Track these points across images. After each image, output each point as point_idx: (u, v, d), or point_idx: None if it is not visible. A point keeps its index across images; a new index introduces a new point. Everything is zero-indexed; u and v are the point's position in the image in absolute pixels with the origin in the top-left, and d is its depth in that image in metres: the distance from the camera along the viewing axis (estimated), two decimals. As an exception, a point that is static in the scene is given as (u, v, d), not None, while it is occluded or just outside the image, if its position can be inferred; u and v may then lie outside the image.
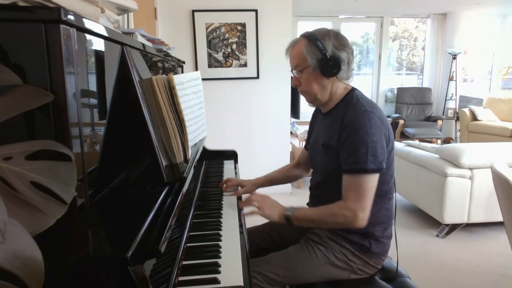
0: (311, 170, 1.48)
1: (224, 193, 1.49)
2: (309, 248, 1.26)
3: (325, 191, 1.31)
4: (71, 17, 0.57)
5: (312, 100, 1.28)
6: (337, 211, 1.17)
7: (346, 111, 1.19)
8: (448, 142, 5.75)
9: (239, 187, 1.55)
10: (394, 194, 1.31)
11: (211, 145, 2.09)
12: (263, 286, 1.20)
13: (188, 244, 1.05)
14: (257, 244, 1.46)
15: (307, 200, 1.46)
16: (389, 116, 6.26)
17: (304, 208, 1.26)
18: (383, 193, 1.24)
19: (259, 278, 1.19)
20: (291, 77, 1.31)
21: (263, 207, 1.26)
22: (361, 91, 1.28)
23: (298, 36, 1.28)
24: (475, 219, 2.65)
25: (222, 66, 3.39)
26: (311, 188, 1.42)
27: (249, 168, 3.20)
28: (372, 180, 1.14)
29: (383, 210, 1.26)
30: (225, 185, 1.56)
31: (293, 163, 1.66)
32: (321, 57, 1.17)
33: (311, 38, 1.19)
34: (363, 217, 1.14)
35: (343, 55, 1.18)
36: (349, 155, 1.14)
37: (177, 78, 1.11)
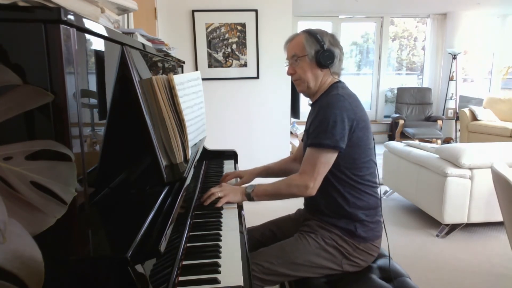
0: None
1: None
2: (302, 238, 1.32)
3: None
4: (71, 17, 0.57)
5: (304, 89, 1.38)
6: (291, 182, 1.29)
7: (325, 98, 1.31)
8: (448, 142, 5.75)
9: (238, 179, 1.61)
10: (377, 183, 1.37)
11: (211, 145, 2.09)
12: (259, 276, 1.23)
13: (188, 244, 1.05)
14: (258, 240, 1.49)
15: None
16: (389, 116, 6.26)
17: (263, 184, 1.36)
18: (359, 180, 1.30)
19: (254, 269, 1.23)
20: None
21: (226, 194, 1.33)
22: (346, 84, 1.38)
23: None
24: (475, 219, 2.65)
25: (222, 66, 3.40)
26: None
27: (249, 168, 3.20)
28: (326, 156, 1.24)
29: (364, 194, 1.31)
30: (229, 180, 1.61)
31: (291, 158, 1.71)
32: (318, 48, 1.30)
33: (311, 32, 1.33)
34: (313, 186, 1.25)
35: (336, 52, 1.32)
36: (313, 131, 1.27)
37: (177, 78, 1.11)
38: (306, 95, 1.42)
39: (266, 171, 1.67)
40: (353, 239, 1.30)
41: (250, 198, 1.34)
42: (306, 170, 1.25)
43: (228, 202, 1.33)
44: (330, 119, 1.22)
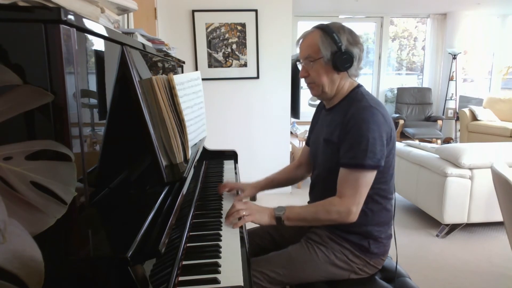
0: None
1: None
2: (309, 248, 1.26)
3: (325, 186, 1.30)
4: (71, 17, 0.57)
5: (319, 93, 1.27)
6: (330, 208, 1.17)
7: (350, 106, 1.19)
8: (448, 142, 5.75)
9: (239, 192, 1.51)
10: (394, 194, 1.31)
11: (211, 145, 2.09)
12: (264, 285, 1.20)
13: (188, 244, 1.05)
14: (258, 244, 1.45)
15: (307, 199, 1.46)
16: (389, 116, 6.26)
17: (295, 206, 1.23)
18: (384, 193, 1.24)
19: (259, 277, 1.19)
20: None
21: (251, 213, 1.21)
22: (365, 88, 1.28)
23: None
24: (475, 219, 2.65)
25: (222, 66, 3.39)
26: (311, 184, 1.42)
27: (249, 168, 3.20)
28: (368, 177, 1.15)
29: (383, 211, 1.26)
30: (226, 189, 1.50)
31: (295, 164, 1.62)
32: (335, 50, 1.17)
33: (327, 30, 1.18)
34: (356, 211, 1.15)
35: (355, 51, 1.18)
36: (349, 150, 1.14)
37: (177, 78, 1.11)
38: (321, 99, 1.33)
39: (271, 184, 1.56)
40: (365, 255, 1.25)
41: (280, 221, 1.21)
42: (347, 194, 1.14)
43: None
44: (368, 136, 1.10)
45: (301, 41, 1.24)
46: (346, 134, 1.15)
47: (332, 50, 1.17)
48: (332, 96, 1.26)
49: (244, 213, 1.20)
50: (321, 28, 1.20)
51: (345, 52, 1.16)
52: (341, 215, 1.15)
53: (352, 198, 1.14)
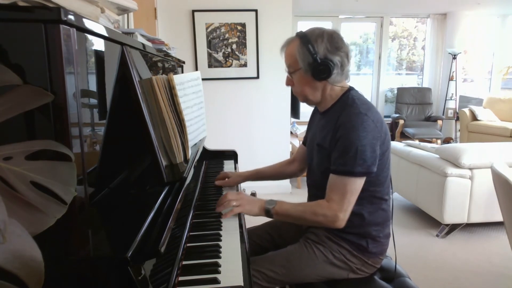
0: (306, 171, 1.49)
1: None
2: (308, 247, 1.27)
3: (319, 189, 1.30)
4: (71, 17, 0.57)
5: (304, 101, 1.30)
6: (318, 210, 1.18)
7: (341, 111, 1.19)
8: (448, 142, 5.75)
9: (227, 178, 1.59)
10: (391, 194, 1.31)
11: (211, 145, 2.09)
12: (262, 284, 1.20)
13: (188, 244, 1.05)
14: (257, 243, 1.46)
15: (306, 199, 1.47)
16: (389, 116, 6.26)
17: (285, 202, 1.25)
18: (379, 195, 1.24)
19: (257, 276, 1.20)
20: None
21: (242, 203, 1.24)
22: (358, 91, 1.27)
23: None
24: (475, 219, 2.65)
25: (222, 66, 3.40)
26: (308, 186, 1.44)
27: (249, 168, 3.19)
28: (357, 183, 1.15)
29: (379, 211, 1.26)
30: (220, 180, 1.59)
31: (288, 160, 1.65)
32: (311, 61, 1.16)
33: (303, 40, 1.17)
34: (343, 218, 1.15)
35: (335, 59, 1.16)
36: (338, 156, 1.15)
37: (177, 78, 1.11)
38: (310, 105, 1.33)
39: (256, 175, 1.62)
40: (363, 255, 1.25)
41: (269, 214, 1.23)
42: (335, 199, 1.15)
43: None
44: (357, 144, 1.11)
45: (284, 49, 1.24)
46: (336, 141, 1.16)
47: (308, 61, 1.16)
48: (319, 101, 1.27)
49: (234, 203, 1.22)
50: (300, 37, 1.19)
51: (322, 62, 1.15)
52: (327, 219, 1.16)
53: (339, 204, 1.15)
